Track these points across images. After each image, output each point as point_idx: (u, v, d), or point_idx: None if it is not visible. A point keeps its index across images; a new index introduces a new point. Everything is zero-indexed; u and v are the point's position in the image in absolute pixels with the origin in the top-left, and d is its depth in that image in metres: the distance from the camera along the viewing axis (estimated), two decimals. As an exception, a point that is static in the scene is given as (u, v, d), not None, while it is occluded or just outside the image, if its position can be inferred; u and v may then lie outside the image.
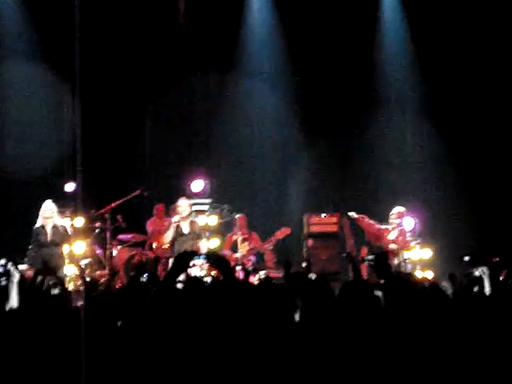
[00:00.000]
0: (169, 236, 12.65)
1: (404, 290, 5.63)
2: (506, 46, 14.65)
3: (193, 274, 11.64)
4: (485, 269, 6.84)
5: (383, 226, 12.69)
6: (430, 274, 12.00)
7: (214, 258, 5.19)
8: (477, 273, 8.52)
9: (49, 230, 12.00)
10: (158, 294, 4.88)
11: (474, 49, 14.74)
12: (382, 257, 5.68)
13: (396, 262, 12.42)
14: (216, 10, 15.04)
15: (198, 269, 12.04)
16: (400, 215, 12.70)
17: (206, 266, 9.63)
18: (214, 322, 4.75)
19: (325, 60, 15.06)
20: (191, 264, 5.12)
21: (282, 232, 13.37)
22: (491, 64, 14.67)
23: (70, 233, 12.34)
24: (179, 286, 5.22)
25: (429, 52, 14.95)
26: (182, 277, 9.58)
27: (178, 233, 12.71)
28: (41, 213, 12.08)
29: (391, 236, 12.68)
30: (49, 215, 12.01)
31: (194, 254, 5.07)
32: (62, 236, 12.02)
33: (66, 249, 12.08)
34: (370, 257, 5.67)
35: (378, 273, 5.54)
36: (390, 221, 12.70)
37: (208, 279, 10.94)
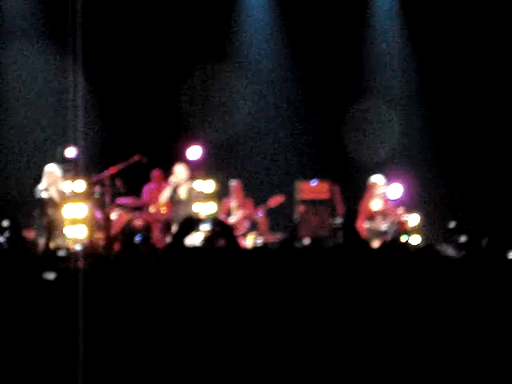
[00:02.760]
0: (165, 196, 12.91)
1: (398, 255, 5.85)
2: (501, 34, 14.78)
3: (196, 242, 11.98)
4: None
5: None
6: (417, 239, 12.31)
7: (219, 225, 5.29)
8: (463, 238, 8.86)
9: (53, 192, 12.32)
10: (165, 254, 5.00)
11: (468, 38, 14.84)
12: (350, 220, 5.76)
13: (385, 228, 12.67)
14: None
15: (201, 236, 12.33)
16: (381, 184, 12.89)
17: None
18: (218, 285, 4.78)
19: (317, 48, 15.29)
20: (197, 229, 5.22)
21: (276, 200, 13.61)
22: (484, 54, 14.82)
23: (69, 195, 12.67)
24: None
25: (421, 42, 15.14)
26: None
27: (176, 197, 13.01)
28: (44, 176, 12.40)
29: (375, 207, 12.87)
30: (52, 179, 12.35)
31: (200, 220, 5.15)
32: (63, 198, 12.35)
33: (67, 211, 12.39)
34: (338, 221, 5.75)
35: (345, 236, 5.64)
36: (373, 188, 12.88)
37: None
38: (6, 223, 10.02)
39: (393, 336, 4.82)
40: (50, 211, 12.24)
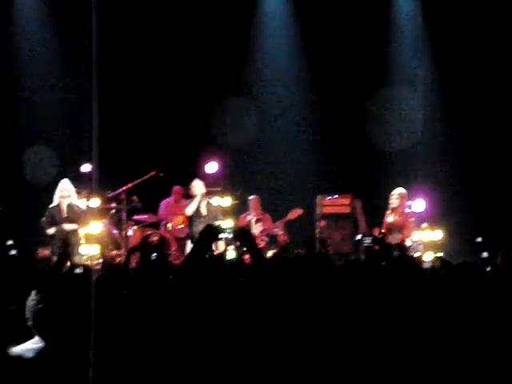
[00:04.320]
0: (192, 208, 12.85)
1: (408, 271, 5.73)
2: None
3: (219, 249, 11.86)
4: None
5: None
6: (440, 255, 12.10)
7: (240, 234, 5.25)
8: (485, 254, 8.66)
9: (65, 208, 12.16)
10: (185, 266, 4.95)
11: (488, 33, 14.77)
12: (380, 238, 5.71)
13: (408, 243, 12.46)
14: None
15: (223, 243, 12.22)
16: (401, 197, 12.66)
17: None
18: (241, 295, 4.83)
19: (338, 41, 15.17)
20: (218, 238, 5.15)
21: (294, 213, 13.53)
22: (504, 49, 14.73)
23: (85, 212, 12.52)
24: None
25: (442, 35, 15.03)
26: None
27: (197, 213, 12.93)
28: (57, 191, 12.24)
29: (389, 219, 12.67)
30: (66, 194, 12.18)
31: (221, 229, 5.10)
32: (77, 215, 12.19)
33: (82, 228, 12.24)
34: (368, 239, 5.69)
35: (377, 255, 5.60)
36: (391, 201, 12.66)
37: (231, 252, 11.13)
38: (10, 242, 9.86)
39: (406, 351, 4.80)
40: (62, 228, 12.07)
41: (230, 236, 5.13)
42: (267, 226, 13.60)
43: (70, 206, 12.18)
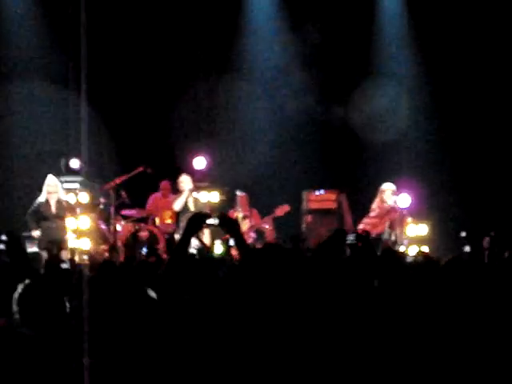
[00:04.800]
0: (180, 203, 12.94)
1: (392, 266, 5.80)
2: (505, 28, 14.81)
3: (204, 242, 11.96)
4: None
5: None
6: (425, 250, 12.19)
7: (225, 220, 5.17)
8: (467, 248, 8.80)
9: (53, 203, 12.25)
10: (174, 258, 4.91)
11: (474, 29, 14.87)
12: (364, 236, 5.72)
13: (392, 238, 12.57)
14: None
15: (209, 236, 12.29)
16: (394, 193, 12.77)
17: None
18: (229, 288, 4.77)
19: (326, 35, 15.29)
20: (205, 224, 5.18)
21: (282, 209, 13.52)
22: (490, 45, 14.82)
23: (74, 207, 12.61)
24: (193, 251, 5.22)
25: (427, 31, 15.16)
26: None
27: (184, 208, 13.01)
28: (44, 187, 12.33)
29: (389, 215, 12.74)
30: (53, 190, 12.27)
31: (208, 215, 5.12)
32: (65, 210, 12.29)
33: (71, 222, 12.33)
34: (351, 237, 5.71)
35: (361, 252, 5.62)
36: (386, 198, 12.74)
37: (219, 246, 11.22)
38: (3, 237, 9.91)
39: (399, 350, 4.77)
40: (50, 224, 12.16)
41: (216, 222, 5.11)
42: (255, 222, 13.63)
43: (58, 202, 12.28)
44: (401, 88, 15.31)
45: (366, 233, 6.29)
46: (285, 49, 15.49)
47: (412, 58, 15.46)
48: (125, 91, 14.92)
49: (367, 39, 15.41)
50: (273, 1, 15.79)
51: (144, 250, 11.36)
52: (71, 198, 12.80)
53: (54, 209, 12.22)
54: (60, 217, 12.20)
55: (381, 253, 6.66)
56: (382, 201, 12.65)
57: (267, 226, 13.55)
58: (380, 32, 15.65)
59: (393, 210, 12.60)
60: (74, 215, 12.44)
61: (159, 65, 15.07)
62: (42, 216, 12.18)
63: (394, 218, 12.63)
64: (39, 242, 12.05)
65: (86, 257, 10.81)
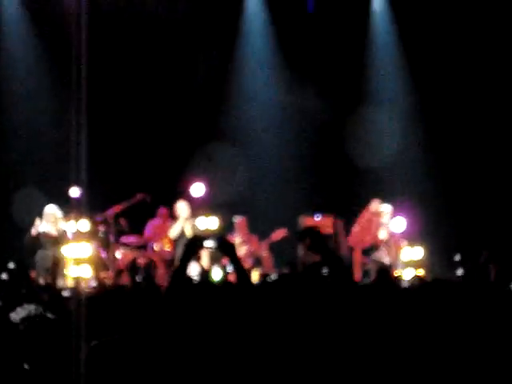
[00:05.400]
0: (175, 230, 12.99)
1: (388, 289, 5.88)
2: (496, 44, 14.99)
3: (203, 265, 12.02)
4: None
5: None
6: (420, 273, 12.27)
7: (224, 243, 5.17)
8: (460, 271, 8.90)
9: (51, 232, 12.39)
10: (174, 282, 4.93)
11: (466, 52, 15.07)
12: (315, 233, 5.68)
13: (388, 261, 12.66)
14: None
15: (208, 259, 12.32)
16: (391, 214, 12.89)
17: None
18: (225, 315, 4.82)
19: (317, 60, 15.48)
20: (203, 247, 5.18)
21: (278, 233, 13.63)
22: (482, 67, 15.02)
23: (70, 236, 12.73)
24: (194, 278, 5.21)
25: (419, 56, 15.35)
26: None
27: (182, 236, 13.08)
28: (43, 217, 12.47)
29: (381, 235, 12.87)
30: (51, 219, 12.43)
31: (204, 237, 5.16)
32: (63, 239, 12.43)
33: (69, 251, 12.44)
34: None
35: (315, 249, 5.61)
36: (381, 218, 12.84)
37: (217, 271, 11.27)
38: (12, 265, 10.05)
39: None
40: (52, 251, 12.29)
41: (214, 245, 5.14)
42: (253, 248, 13.64)
43: (57, 231, 12.43)
44: (393, 114, 15.46)
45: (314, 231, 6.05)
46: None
47: (403, 85, 15.64)
48: (124, 119, 15.07)
49: (360, 67, 15.60)
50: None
51: (140, 277, 11.45)
52: (71, 227, 12.91)
53: (52, 237, 12.37)
54: (57, 246, 12.34)
55: (376, 275, 6.76)
56: (379, 224, 12.78)
57: (264, 254, 13.58)
58: (372, 60, 15.84)
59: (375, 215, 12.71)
60: (68, 243, 12.55)
61: (158, 92, 15.24)
62: (39, 244, 12.31)
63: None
64: (38, 269, 12.16)
65: (88, 284, 10.90)
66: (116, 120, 15.05)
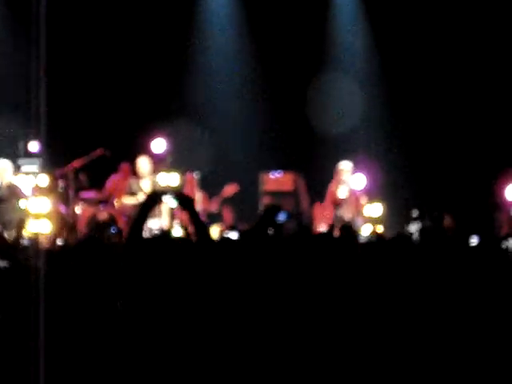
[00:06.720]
0: (130, 200, 12.96)
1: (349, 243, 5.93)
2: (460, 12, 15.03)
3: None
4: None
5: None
6: (380, 229, 12.40)
7: (181, 198, 5.13)
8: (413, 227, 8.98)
9: (3, 186, 12.36)
10: (131, 235, 4.91)
11: (427, 14, 15.09)
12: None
13: (348, 216, 12.75)
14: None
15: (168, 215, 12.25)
16: (351, 171, 12.96)
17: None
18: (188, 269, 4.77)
19: (279, 26, 15.41)
20: (162, 201, 5.14)
21: (229, 189, 13.49)
22: (442, 27, 15.07)
23: (21, 190, 12.68)
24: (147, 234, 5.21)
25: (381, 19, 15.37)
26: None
27: (140, 190, 13.03)
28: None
29: (342, 194, 12.95)
30: (2, 173, 12.41)
31: (164, 192, 5.12)
32: (16, 193, 12.38)
33: (27, 204, 12.37)
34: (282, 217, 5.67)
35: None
36: (341, 176, 12.92)
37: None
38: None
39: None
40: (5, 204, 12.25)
41: (173, 200, 5.10)
42: (203, 205, 13.37)
43: (8, 185, 12.40)
44: (355, 79, 15.49)
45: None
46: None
47: (366, 49, 15.67)
48: (84, 73, 14.92)
49: (321, 31, 15.57)
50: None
51: (112, 231, 11.39)
52: (30, 181, 12.82)
53: (4, 191, 12.33)
54: (9, 199, 12.29)
55: (340, 229, 6.81)
56: (339, 182, 12.86)
57: (215, 211, 13.45)
58: (334, 24, 15.81)
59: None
60: (23, 197, 12.50)
61: (121, 44, 15.12)
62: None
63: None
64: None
65: (46, 238, 10.87)
66: (77, 74, 14.89)
